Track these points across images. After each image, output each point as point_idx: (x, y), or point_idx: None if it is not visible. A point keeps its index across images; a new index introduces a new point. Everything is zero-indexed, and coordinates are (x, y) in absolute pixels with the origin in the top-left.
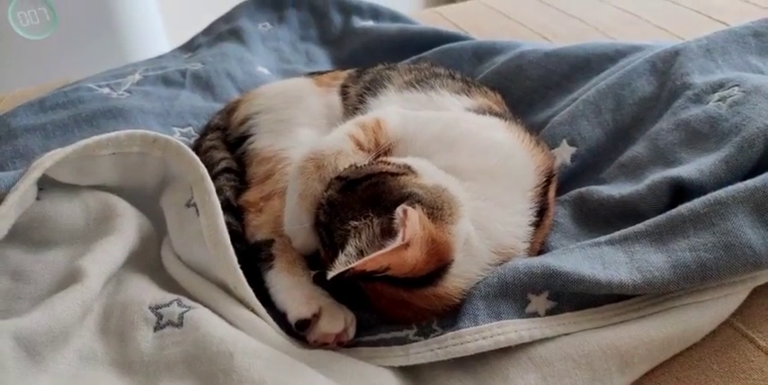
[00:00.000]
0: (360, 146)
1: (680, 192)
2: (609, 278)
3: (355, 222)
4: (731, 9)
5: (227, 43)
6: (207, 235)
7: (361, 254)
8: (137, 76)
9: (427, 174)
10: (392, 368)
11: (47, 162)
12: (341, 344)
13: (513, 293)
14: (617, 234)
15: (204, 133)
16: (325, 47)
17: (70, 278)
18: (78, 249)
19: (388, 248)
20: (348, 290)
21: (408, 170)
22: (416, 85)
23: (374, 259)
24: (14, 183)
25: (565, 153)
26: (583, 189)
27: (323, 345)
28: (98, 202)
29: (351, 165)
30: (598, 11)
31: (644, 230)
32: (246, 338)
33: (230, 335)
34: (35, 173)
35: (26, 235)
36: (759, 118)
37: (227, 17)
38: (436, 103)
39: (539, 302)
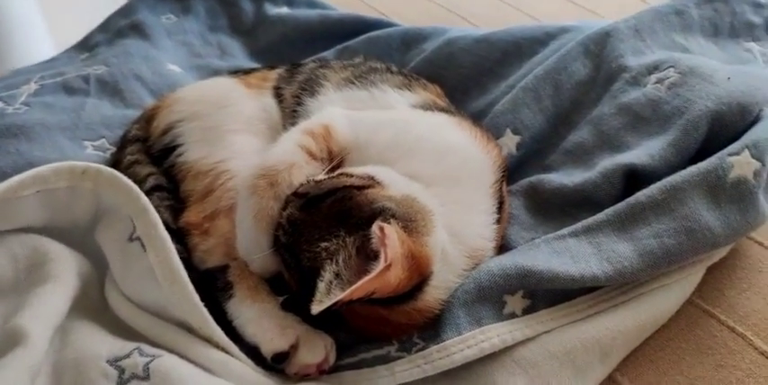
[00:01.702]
0: (312, 156)
1: (631, 177)
2: (581, 272)
3: (325, 243)
4: None
5: (128, 40)
6: (160, 272)
7: (338, 278)
8: (32, 86)
9: (393, 184)
10: None
11: None
12: (322, 373)
13: (491, 297)
14: (579, 225)
15: (122, 146)
16: (239, 37)
17: (10, 341)
18: (11, 305)
19: (374, 273)
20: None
21: (373, 181)
22: (355, 82)
23: (361, 287)
24: None
25: (510, 142)
26: (533, 178)
27: (304, 377)
28: (25, 248)
29: (308, 180)
30: None
31: (605, 220)
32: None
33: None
34: None
35: None
36: (700, 100)
37: (125, 10)
38: (379, 101)
39: (515, 302)
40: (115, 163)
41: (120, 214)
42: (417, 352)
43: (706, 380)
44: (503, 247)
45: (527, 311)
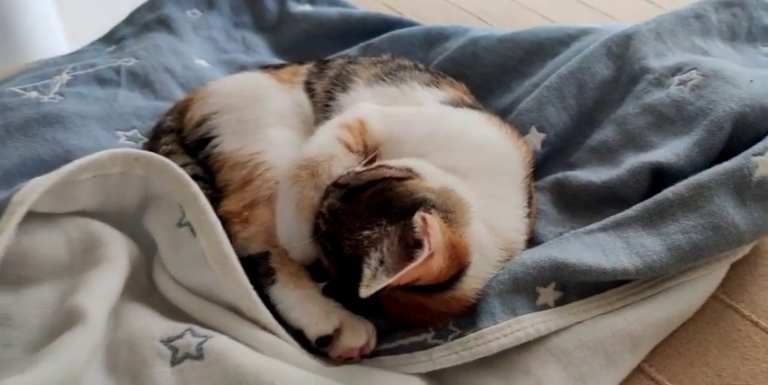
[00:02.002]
0: (349, 148)
1: (657, 175)
2: (613, 265)
3: (367, 232)
4: None
5: (156, 34)
6: (210, 257)
7: (382, 264)
8: (65, 76)
9: (431, 176)
10: (417, 374)
11: (31, 195)
12: (363, 357)
13: (525, 288)
14: (608, 220)
15: (156, 136)
16: (263, 33)
17: (69, 319)
18: (67, 285)
19: (419, 261)
20: (359, 300)
21: (411, 173)
22: (385, 79)
23: (408, 273)
24: None
25: (535, 139)
26: (559, 175)
27: (347, 360)
28: (81, 231)
29: (348, 171)
30: None
31: (634, 216)
32: (285, 366)
33: (265, 366)
34: (20, 208)
35: (3, 274)
36: (724, 101)
37: (151, 4)
38: (409, 97)
39: (547, 294)
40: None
41: (169, 201)
42: (454, 339)
43: (731, 371)
44: (532, 241)
45: (559, 303)
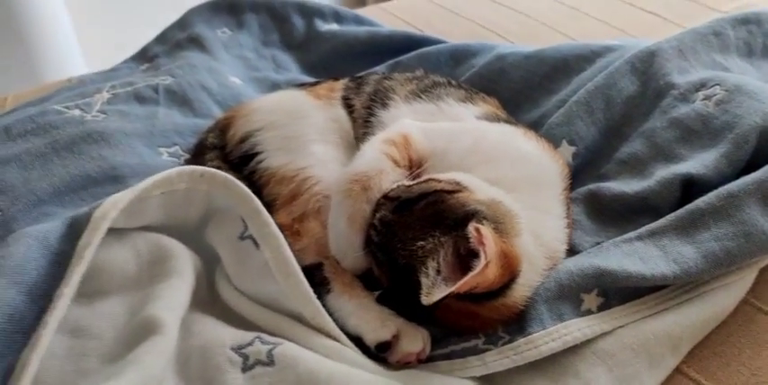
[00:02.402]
0: (396, 163)
1: (687, 185)
2: (652, 272)
3: (421, 242)
4: (662, 1)
5: (189, 52)
6: (275, 268)
7: (439, 274)
8: (105, 95)
9: (479, 189)
10: (471, 377)
11: (112, 211)
12: (420, 361)
13: (570, 294)
14: (644, 230)
15: (200, 153)
16: (291, 52)
17: (146, 329)
18: (136, 297)
19: (477, 270)
20: (411, 306)
21: (460, 186)
22: (422, 96)
23: (467, 282)
24: (70, 235)
25: (566, 152)
26: (591, 186)
27: (405, 365)
28: (149, 245)
29: (398, 185)
30: (540, 5)
31: (668, 225)
32: (354, 370)
33: (337, 370)
34: (103, 224)
35: (79, 288)
36: (749, 116)
37: (181, 23)
38: (447, 113)
39: (590, 300)
40: None
41: (231, 215)
42: (505, 344)
43: (766, 370)
44: (569, 251)
45: (601, 308)
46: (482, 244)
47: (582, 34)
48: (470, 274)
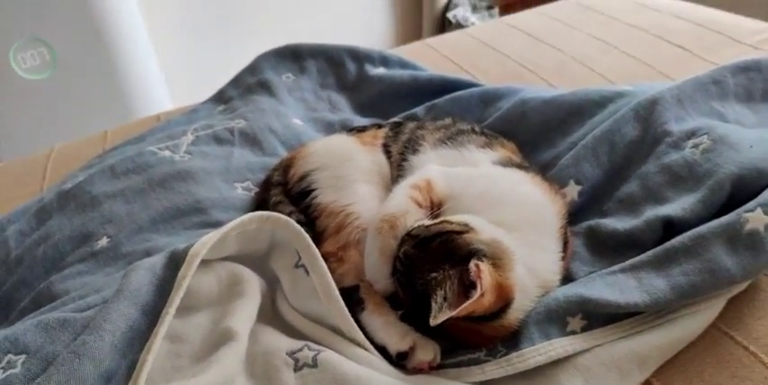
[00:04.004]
0: (419, 205)
1: (669, 225)
2: (626, 301)
3: (434, 274)
4: (688, 33)
5: (258, 96)
6: (320, 291)
7: (446, 300)
8: (189, 137)
9: (483, 229)
10: (474, 383)
11: (203, 249)
12: (432, 369)
13: (557, 318)
14: (627, 263)
15: (266, 188)
16: (344, 93)
17: (225, 337)
18: (217, 312)
19: (473, 299)
20: (427, 325)
21: (467, 227)
22: (447, 143)
23: (465, 307)
24: (170, 265)
25: (573, 191)
26: (592, 222)
27: (419, 371)
28: (227, 271)
29: (419, 225)
30: (575, 40)
31: (647, 260)
32: (377, 374)
33: (363, 373)
34: (196, 260)
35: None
36: (726, 165)
37: (252, 69)
38: (467, 158)
39: (575, 322)
40: (262, 202)
41: (289, 248)
42: (501, 356)
43: None
44: (567, 278)
45: (584, 329)
46: (479, 277)
47: (609, 69)
48: (468, 302)
